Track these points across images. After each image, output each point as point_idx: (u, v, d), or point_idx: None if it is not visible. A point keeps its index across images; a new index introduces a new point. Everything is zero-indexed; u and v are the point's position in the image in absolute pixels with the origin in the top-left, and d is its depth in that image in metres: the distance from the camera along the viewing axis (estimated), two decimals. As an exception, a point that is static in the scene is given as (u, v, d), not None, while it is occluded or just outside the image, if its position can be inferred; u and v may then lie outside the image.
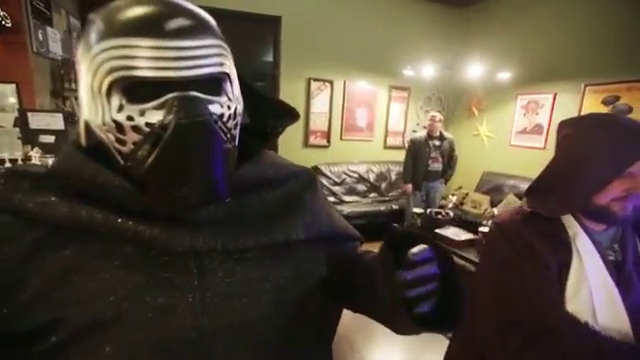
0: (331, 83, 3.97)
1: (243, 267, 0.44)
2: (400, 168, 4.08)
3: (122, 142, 0.38)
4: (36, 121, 2.03)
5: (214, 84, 0.40)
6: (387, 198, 4.16)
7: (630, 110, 2.93)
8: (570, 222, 0.77)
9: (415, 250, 0.36)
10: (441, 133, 3.53)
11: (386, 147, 4.43)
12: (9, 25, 2.04)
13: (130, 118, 0.37)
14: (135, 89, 0.37)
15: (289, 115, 0.52)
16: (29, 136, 1.98)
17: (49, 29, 2.41)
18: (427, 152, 3.49)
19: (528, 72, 3.60)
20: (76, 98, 2.63)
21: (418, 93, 4.44)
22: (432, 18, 4.25)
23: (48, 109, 2.33)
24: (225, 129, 0.41)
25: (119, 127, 0.37)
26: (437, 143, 3.51)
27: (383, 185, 4.16)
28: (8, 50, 2.11)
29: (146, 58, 0.35)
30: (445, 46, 4.28)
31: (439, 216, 2.91)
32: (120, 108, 0.37)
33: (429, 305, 0.36)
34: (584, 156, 0.74)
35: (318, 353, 0.54)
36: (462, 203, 3.58)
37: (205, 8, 0.42)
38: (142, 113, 0.37)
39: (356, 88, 4.10)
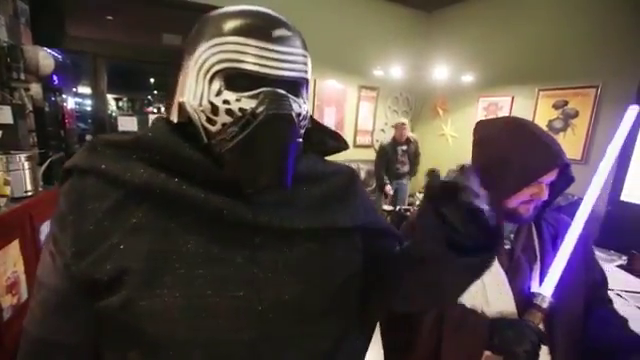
0: (302, 81, 3.95)
1: (294, 248, 0.48)
2: (369, 167, 4.16)
3: (212, 122, 0.44)
4: (-21, 114, 1.83)
5: (297, 86, 0.47)
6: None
7: (576, 114, 3.19)
8: None
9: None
10: (407, 137, 3.66)
11: (356, 146, 4.49)
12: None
13: (226, 102, 0.43)
14: (235, 79, 0.43)
15: (339, 140, 0.59)
16: (-29, 130, 1.78)
17: (-7, 13, 2.18)
18: (395, 157, 3.65)
19: (489, 76, 3.80)
20: (27, 89, 2.42)
21: (387, 93, 4.54)
22: (401, 20, 4.36)
23: (-7, 101, 2.11)
24: (300, 126, 0.47)
25: (214, 109, 0.44)
26: (404, 148, 3.68)
27: (353, 183, 4.22)
28: (-56, 34, 1.89)
29: (253, 55, 0.42)
30: (413, 48, 4.42)
31: (408, 213, 3.02)
32: (218, 93, 0.44)
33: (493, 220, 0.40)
34: (496, 164, 0.76)
35: (358, 342, 0.59)
36: (428, 200, 3.73)
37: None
38: (238, 100, 0.43)
39: (326, 87, 4.11)
